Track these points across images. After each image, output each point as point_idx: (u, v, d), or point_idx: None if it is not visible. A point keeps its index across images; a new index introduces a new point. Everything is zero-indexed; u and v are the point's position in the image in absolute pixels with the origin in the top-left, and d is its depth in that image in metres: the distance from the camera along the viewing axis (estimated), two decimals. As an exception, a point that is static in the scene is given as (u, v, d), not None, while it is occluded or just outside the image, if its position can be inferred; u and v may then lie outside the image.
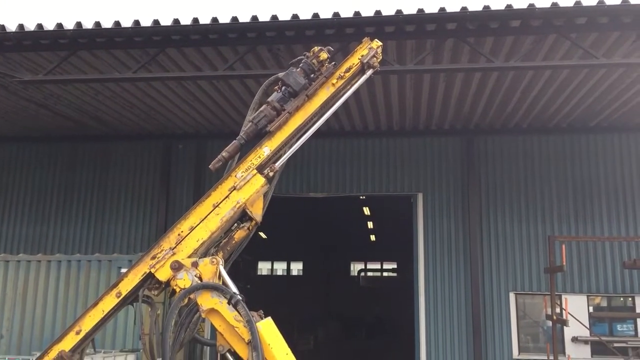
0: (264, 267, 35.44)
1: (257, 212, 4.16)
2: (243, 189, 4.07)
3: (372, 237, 30.98)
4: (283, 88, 4.27)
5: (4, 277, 13.09)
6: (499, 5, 8.69)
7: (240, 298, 3.79)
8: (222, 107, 13.09)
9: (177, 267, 3.89)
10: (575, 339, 13.23)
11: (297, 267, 35.75)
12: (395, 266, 34.58)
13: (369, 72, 4.41)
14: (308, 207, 18.85)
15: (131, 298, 4.01)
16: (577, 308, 12.89)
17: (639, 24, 8.65)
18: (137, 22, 9.31)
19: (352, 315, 30.79)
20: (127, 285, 3.97)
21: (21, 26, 9.49)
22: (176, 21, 9.24)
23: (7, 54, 10.09)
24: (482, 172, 14.29)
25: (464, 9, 8.71)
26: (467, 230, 13.99)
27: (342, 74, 4.34)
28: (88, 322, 3.94)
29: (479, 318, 13.40)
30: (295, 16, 9.09)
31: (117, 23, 9.36)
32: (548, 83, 11.46)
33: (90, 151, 15.72)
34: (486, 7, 8.69)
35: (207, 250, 4.08)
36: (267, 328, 3.77)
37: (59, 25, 9.45)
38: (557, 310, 12.39)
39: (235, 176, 4.11)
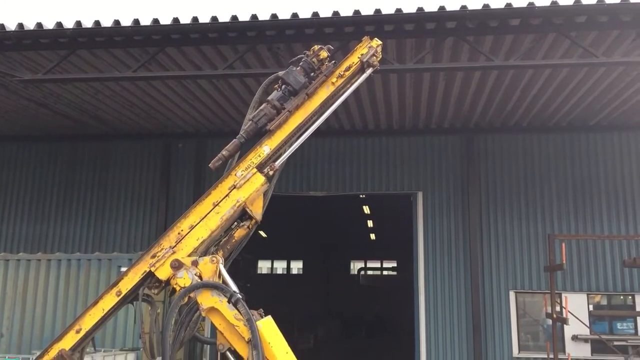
0: (264, 266, 35.48)
1: (257, 210, 4.17)
2: (243, 188, 4.07)
3: (372, 236, 31.01)
4: (283, 87, 4.28)
5: (4, 276, 13.10)
6: (498, 3, 8.71)
7: (240, 297, 3.79)
8: (222, 106, 13.09)
9: (177, 265, 3.89)
10: (575, 338, 13.25)
11: (297, 266, 35.79)
12: (395, 265, 34.62)
13: (369, 71, 4.42)
14: (308, 205, 18.87)
15: (131, 297, 4.02)
16: (577, 306, 12.90)
17: (639, 22, 8.64)
18: (136, 21, 9.30)
19: (352, 313, 30.82)
20: (127, 284, 3.97)
21: (21, 25, 9.49)
22: (176, 20, 9.23)
23: (7, 53, 10.08)
24: (482, 170, 14.29)
25: (463, 7, 8.71)
26: (467, 228, 13.99)
27: (341, 73, 4.35)
28: (88, 321, 3.94)
29: (479, 316, 13.41)
30: (295, 15, 9.09)
31: (116, 22, 9.36)
32: (548, 82, 11.46)
33: (90, 150, 15.72)
34: (486, 6, 8.68)
35: (207, 248, 4.09)
36: (267, 327, 3.77)
37: (59, 24, 9.45)
38: (557, 308, 12.39)
39: (235, 175, 4.11)
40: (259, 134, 4.25)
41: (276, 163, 4.20)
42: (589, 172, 14.05)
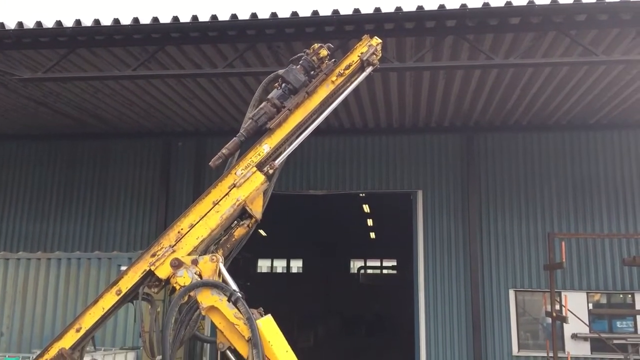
0: (263, 265, 35.49)
1: (257, 209, 4.16)
2: (243, 187, 4.07)
3: (372, 235, 31.01)
4: (283, 85, 4.27)
5: (4, 275, 13.10)
6: (498, 2, 8.70)
7: (240, 295, 3.79)
8: (222, 104, 13.08)
9: (177, 264, 3.89)
10: (574, 336, 13.26)
11: (297, 265, 35.80)
12: (394, 263, 34.63)
13: (369, 70, 4.41)
14: (308, 204, 18.88)
15: (131, 296, 4.02)
16: (576, 305, 12.90)
17: (639, 20, 8.64)
18: (136, 20, 9.30)
19: (352, 312, 30.82)
20: (127, 283, 3.97)
21: (20, 24, 9.48)
22: (175, 19, 9.23)
23: (6, 51, 10.08)
24: (481, 169, 14.29)
25: (463, 6, 8.70)
26: (466, 227, 14.00)
27: (341, 72, 4.34)
28: (88, 320, 3.94)
29: (478, 315, 13.42)
30: (294, 13, 9.09)
31: (116, 21, 9.35)
32: (548, 80, 11.46)
33: (90, 149, 15.72)
34: (485, 4, 8.68)
35: (207, 247, 4.08)
36: (267, 325, 3.77)
37: (58, 23, 9.44)
38: (557, 307, 12.40)
39: (235, 174, 4.11)
40: (259, 133, 4.25)
41: (276, 162, 4.19)
42: (589, 171, 14.06)
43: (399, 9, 8.78)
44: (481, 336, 13.38)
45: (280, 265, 36.13)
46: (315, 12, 9.02)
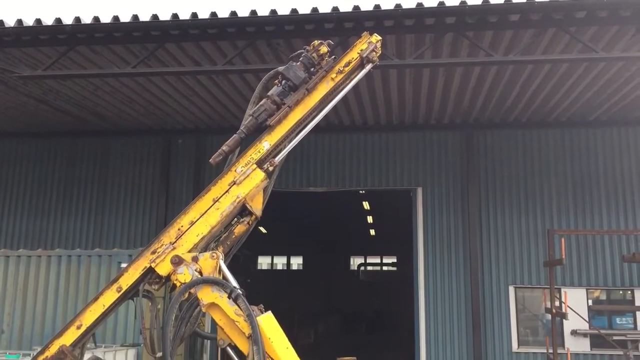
0: (264, 262, 35.51)
1: (257, 206, 4.17)
2: (243, 184, 4.08)
3: (372, 232, 31.02)
4: (283, 82, 4.27)
5: (4, 273, 13.10)
6: (498, -1, 8.69)
7: (241, 292, 3.80)
8: (222, 102, 13.08)
9: (177, 261, 3.90)
10: (574, 332, 13.28)
11: (297, 262, 35.82)
12: (394, 260, 34.65)
13: (368, 67, 4.41)
14: (308, 201, 18.88)
15: (132, 293, 4.02)
16: (576, 301, 12.92)
17: (638, 17, 8.64)
18: (135, 17, 9.30)
19: (352, 309, 30.84)
20: (127, 280, 3.98)
21: (20, 21, 9.47)
22: (175, 16, 9.22)
23: (6, 49, 10.07)
24: (481, 166, 14.30)
25: (463, 3, 8.70)
26: (466, 224, 14.01)
27: (341, 69, 4.34)
28: (89, 317, 3.95)
29: (478, 311, 13.43)
30: (294, 10, 9.08)
31: (115, 18, 9.35)
32: (547, 77, 11.46)
33: (89, 146, 15.73)
34: (485, 1, 8.67)
35: (207, 244, 4.09)
36: (268, 322, 3.78)
37: (58, 21, 9.44)
38: (557, 303, 12.42)
39: (235, 171, 4.12)
40: (259, 130, 4.25)
41: (276, 159, 4.20)
42: (589, 168, 14.07)
43: (398, 6, 8.77)
44: (481, 332, 13.40)
45: (280, 262, 36.15)
46: (314, 10, 9.01)
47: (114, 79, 11.40)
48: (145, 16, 9.37)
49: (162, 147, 15.37)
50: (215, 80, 11.88)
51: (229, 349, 3.83)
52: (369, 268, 35.75)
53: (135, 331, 12.10)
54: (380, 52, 4.45)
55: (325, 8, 9.00)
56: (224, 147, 4.19)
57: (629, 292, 13.59)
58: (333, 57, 4.43)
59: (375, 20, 8.93)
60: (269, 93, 4.28)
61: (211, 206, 4.05)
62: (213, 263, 3.90)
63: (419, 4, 8.78)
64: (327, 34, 8.89)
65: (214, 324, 3.92)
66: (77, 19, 9.40)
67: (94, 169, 15.59)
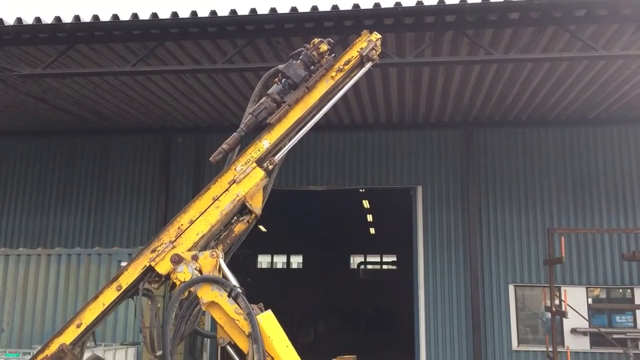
0: (263, 261, 35.48)
1: (257, 205, 4.17)
2: (242, 182, 4.08)
3: (372, 230, 31.01)
4: (283, 80, 4.27)
5: (4, 271, 13.11)
6: (497, -3, 8.68)
7: (240, 291, 3.80)
8: (221, 100, 13.07)
9: (177, 260, 3.90)
10: (574, 331, 13.28)
11: (297, 260, 35.80)
12: (394, 259, 34.64)
13: (368, 65, 4.41)
14: (308, 200, 18.87)
15: (131, 291, 4.03)
16: (576, 300, 12.92)
17: (638, 15, 8.63)
18: (135, 16, 9.29)
19: (351, 308, 30.84)
20: (127, 279, 3.98)
21: (19, 20, 9.46)
22: (175, 14, 9.22)
23: (5, 47, 10.06)
24: (481, 164, 14.29)
25: (463, 1, 8.69)
26: (466, 222, 14.01)
27: (341, 67, 4.34)
28: (89, 316, 3.95)
29: (478, 310, 13.44)
30: (294, 9, 9.08)
31: (115, 16, 9.34)
32: (547, 75, 11.45)
33: (89, 145, 15.72)
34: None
35: (207, 243, 4.09)
36: (268, 320, 3.78)
37: (58, 19, 9.43)
38: (557, 302, 12.42)
39: (235, 169, 4.11)
40: (259, 128, 4.25)
41: (276, 157, 4.20)
42: (588, 166, 14.06)
43: (398, 4, 8.76)
44: (481, 331, 13.41)
45: (280, 261, 36.13)
46: (314, 8, 9.01)
47: (113, 77, 11.39)
48: (144, 14, 9.35)
49: (162, 146, 15.36)
50: (215, 79, 11.88)
51: (229, 347, 3.83)
52: (369, 267, 35.74)
53: (135, 330, 12.11)
54: (380, 50, 4.45)
55: (325, 6, 9.00)
56: (224, 146, 4.19)
57: (629, 290, 13.59)
58: (333, 55, 4.43)
59: (375, 18, 8.93)
60: (269, 91, 4.27)
61: (211, 205, 4.05)
62: (213, 262, 3.90)
63: (419, 2, 8.77)
64: (327, 32, 8.87)
65: (214, 322, 3.92)
66: (77, 18, 9.40)
67: (93, 167, 15.59)
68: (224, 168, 4.18)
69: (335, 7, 8.93)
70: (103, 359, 4.22)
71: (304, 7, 9.08)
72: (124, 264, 4.50)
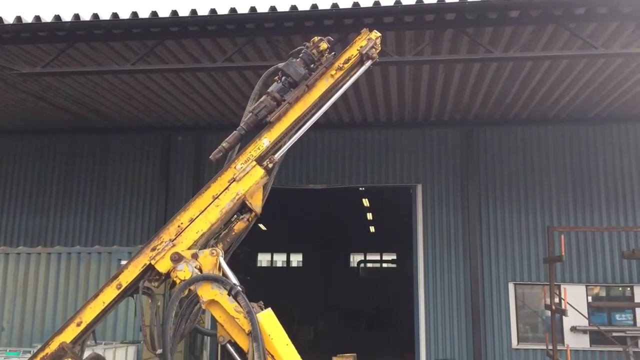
0: (263, 259, 35.51)
1: (257, 203, 4.17)
2: (242, 181, 4.08)
3: (372, 229, 31.02)
4: (283, 78, 4.27)
5: (4, 270, 13.11)
6: (497, -5, 8.66)
7: (240, 289, 3.80)
8: (221, 99, 13.07)
9: (177, 258, 3.90)
10: (574, 329, 13.29)
11: (296, 259, 35.82)
12: (394, 257, 34.65)
13: (368, 63, 4.41)
14: (307, 198, 18.86)
15: (131, 290, 4.03)
16: (576, 298, 12.94)
17: (638, 13, 8.62)
18: (135, 14, 9.28)
19: (351, 306, 30.86)
20: (127, 277, 3.98)
21: (19, 18, 9.46)
22: (174, 13, 9.21)
23: (5, 46, 10.05)
24: (481, 163, 14.29)
25: (462, -1, 8.69)
26: (466, 220, 14.01)
27: (340, 65, 4.34)
28: (89, 314, 3.95)
29: (478, 308, 13.44)
30: (294, 7, 9.07)
31: (115, 15, 9.33)
32: (547, 73, 11.45)
33: (89, 143, 15.72)
34: (485, -2, 8.66)
35: (206, 241, 4.09)
36: (268, 319, 3.79)
37: (57, 17, 9.42)
38: (556, 300, 12.42)
39: (235, 168, 4.11)
40: (259, 126, 4.25)
41: (275, 156, 4.19)
42: (588, 164, 14.06)
43: (398, 2, 8.76)
44: (481, 329, 13.42)
45: (280, 259, 36.15)
46: (314, 6, 9.00)
47: (113, 76, 11.38)
48: (144, 13, 9.34)
49: (162, 144, 15.36)
50: (214, 77, 11.87)
51: (229, 345, 3.84)
52: (369, 265, 35.77)
53: (135, 328, 12.11)
54: (379, 48, 4.45)
55: (324, 4, 9.00)
56: (224, 144, 4.19)
57: (629, 288, 13.60)
58: (333, 53, 4.43)
59: (375, 16, 8.92)
60: (269, 89, 4.27)
61: (211, 203, 4.05)
62: (213, 260, 3.90)
63: (419, 1, 8.77)
64: (327, 31, 8.86)
65: (214, 320, 3.92)
66: (76, 16, 9.40)
67: (93, 166, 15.59)
68: (224, 166, 4.18)
69: (335, 5, 8.92)
70: (103, 357, 4.22)
71: (303, 6, 9.08)
72: (124, 262, 4.49)
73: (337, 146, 14.87)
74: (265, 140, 4.16)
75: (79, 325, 3.93)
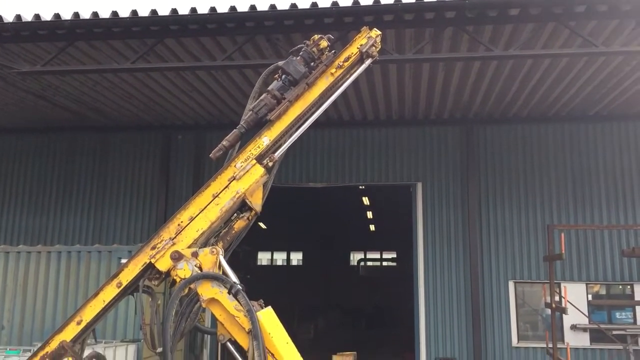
0: (263, 258, 35.53)
1: (257, 202, 4.16)
2: (242, 179, 4.07)
3: (372, 227, 31.02)
4: (283, 77, 4.26)
5: (4, 269, 13.11)
6: (498, -7, 8.65)
7: (241, 287, 3.80)
8: (221, 97, 13.06)
9: (177, 257, 3.90)
10: (574, 327, 13.30)
11: (296, 257, 35.83)
12: (394, 255, 34.66)
13: (368, 62, 4.40)
14: (307, 197, 18.87)
15: (132, 288, 4.02)
16: (576, 296, 12.94)
17: (638, 11, 8.61)
18: (134, 12, 9.27)
19: (351, 304, 30.88)
20: (127, 276, 3.97)
21: (19, 17, 9.45)
22: (174, 11, 9.20)
23: (4, 44, 10.04)
24: (481, 161, 14.29)
25: (462, -3, 8.68)
26: (466, 219, 14.01)
27: (340, 64, 4.33)
28: (89, 313, 3.95)
29: (478, 306, 13.45)
30: (293, 5, 9.06)
31: (114, 13, 9.32)
32: (547, 72, 11.44)
33: (89, 142, 15.72)
34: (485, -4, 8.65)
35: (207, 240, 4.09)
36: (268, 317, 3.78)
37: (57, 16, 9.42)
38: (556, 298, 12.42)
39: (235, 166, 4.11)
40: (259, 124, 4.24)
41: (275, 154, 4.19)
42: (588, 162, 14.06)
43: (398, 0, 8.75)
44: (481, 327, 13.42)
45: (280, 257, 36.17)
46: (314, 4, 8.99)
47: (113, 74, 11.38)
48: (144, 11, 9.34)
49: (162, 143, 15.36)
50: (214, 76, 11.87)
51: (229, 344, 3.83)
52: (369, 263, 35.79)
53: (135, 327, 12.12)
54: (379, 46, 4.44)
55: (324, 3, 9.00)
56: (224, 142, 4.18)
57: (629, 286, 13.61)
58: (333, 51, 4.42)
59: (375, 14, 8.91)
60: (269, 88, 4.26)
61: (211, 202, 4.05)
62: (213, 258, 3.90)
63: (419, -1, 8.76)
64: (327, 29, 8.88)
65: (214, 319, 3.92)
66: (76, 15, 9.38)
67: (93, 164, 15.59)
68: (224, 165, 4.18)
69: (335, 3, 8.92)
70: (103, 356, 4.21)
71: (303, 4, 9.07)
72: (124, 261, 4.49)
73: (337, 144, 14.86)
74: (265, 139, 4.16)
75: (79, 323, 3.93)
